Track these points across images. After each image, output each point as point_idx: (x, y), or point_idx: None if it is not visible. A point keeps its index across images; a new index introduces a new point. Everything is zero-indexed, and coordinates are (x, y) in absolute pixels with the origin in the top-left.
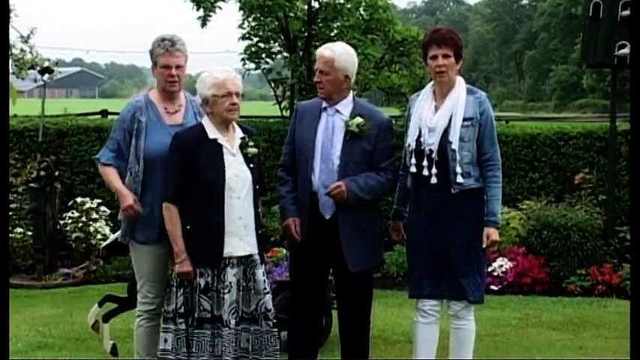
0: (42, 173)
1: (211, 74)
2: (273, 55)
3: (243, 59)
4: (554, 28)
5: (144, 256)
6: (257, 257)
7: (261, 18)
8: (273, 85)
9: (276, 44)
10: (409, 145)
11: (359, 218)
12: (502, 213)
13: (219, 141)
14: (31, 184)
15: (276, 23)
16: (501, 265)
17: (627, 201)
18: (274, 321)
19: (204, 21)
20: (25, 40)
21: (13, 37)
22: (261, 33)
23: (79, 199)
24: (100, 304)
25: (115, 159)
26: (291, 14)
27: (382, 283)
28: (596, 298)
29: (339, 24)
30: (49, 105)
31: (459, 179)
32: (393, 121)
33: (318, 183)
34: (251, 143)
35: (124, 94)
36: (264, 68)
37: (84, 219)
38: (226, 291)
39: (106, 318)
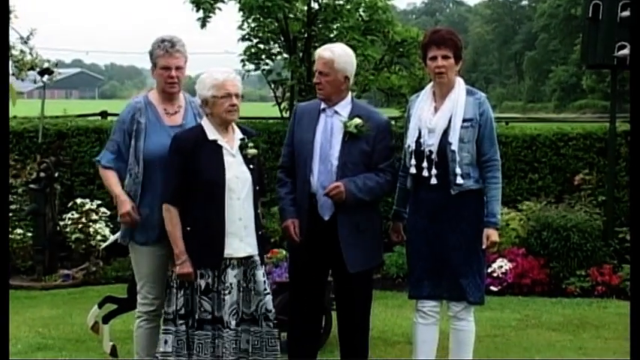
0: (42, 174)
1: (211, 75)
2: (273, 56)
3: (242, 60)
4: (553, 29)
5: (143, 257)
6: (257, 258)
7: (261, 19)
8: (272, 86)
9: (276, 45)
10: (409, 146)
11: (358, 219)
12: (502, 214)
13: (219, 142)
14: (31, 186)
15: (276, 24)
16: (501, 266)
17: (627, 202)
18: (275, 322)
19: (203, 22)
20: (25, 41)
21: (13, 38)
22: (260, 34)
23: (78, 201)
24: (100, 305)
25: (115, 161)
26: (291, 15)
27: (382, 284)
28: (595, 299)
29: (338, 25)
30: (48, 106)
31: (459, 180)
32: (393, 122)
33: (316, 184)
34: (250, 144)
35: (124, 95)
36: (263, 69)
37: (84, 220)
38: (227, 292)
39: (106, 319)
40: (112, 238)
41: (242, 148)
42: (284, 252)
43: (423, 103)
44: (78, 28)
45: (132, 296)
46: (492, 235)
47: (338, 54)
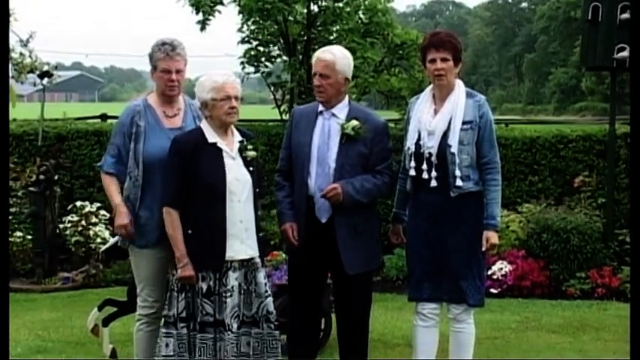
0: (41, 177)
1: (210, 78)
2: (273, 59)
3: (242, 63)
4: (553, 31)
5: (143, 259)
6: (258, 260)
7: (261, 22)
8: (272, 88)
9: (276, 48)
10: (409, 149)
11: (355, 221)
12: (502, 216)
13: (219, 145)
14: (31, 188)
15: (276, 27)
16: (501, 269)
17: (627, 204)
18: (276, 324)
19: (203, 24)
20: (25, 44)
21: (13, 41)
22: (260, 37)
23: (78, 203)
24: (100, 308)
25: (116, 164)
26: (291, 18)
27: (382, 287)
28: (595, 301)
29: (338, 27)
30: (48, 109)
31: (459, 182)
32: (393, 125)
33: (314, 187)
34: (250, 146)
35: (124, 97)
36: (263, 72)
37: (83, 223)
38: (228, 295)
39: (106, 322)
40: (111, 240)
41: (241, 150)
42: (284, 254)
43: (423, 106)
44: (77, 30)
45: (132, 299)
46: (492, 237)
47: (338, 56)
